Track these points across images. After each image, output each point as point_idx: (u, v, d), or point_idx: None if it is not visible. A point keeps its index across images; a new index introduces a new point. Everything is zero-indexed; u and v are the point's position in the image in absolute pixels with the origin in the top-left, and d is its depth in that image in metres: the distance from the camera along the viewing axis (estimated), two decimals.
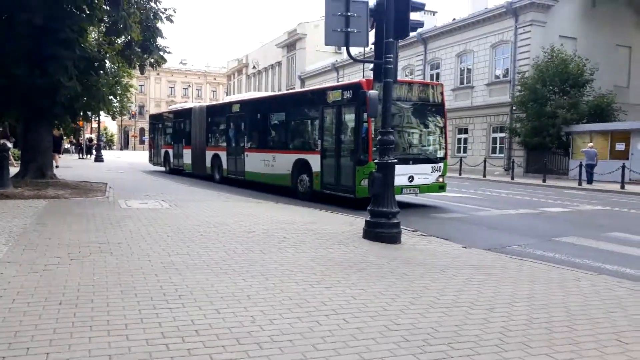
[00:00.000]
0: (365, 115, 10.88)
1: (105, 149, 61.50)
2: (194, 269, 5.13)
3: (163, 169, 24.45)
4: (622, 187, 18.72)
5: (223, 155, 18.09)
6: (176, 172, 22.69)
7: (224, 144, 18.21)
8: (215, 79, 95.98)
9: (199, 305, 3.99)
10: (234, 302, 4.10)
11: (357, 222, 8.71)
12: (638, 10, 29.42)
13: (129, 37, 15.05)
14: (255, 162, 15.78)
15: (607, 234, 8.90)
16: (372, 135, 10.81)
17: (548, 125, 24.45)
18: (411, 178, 11.85)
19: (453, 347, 3.38)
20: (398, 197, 11.49)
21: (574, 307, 4.38)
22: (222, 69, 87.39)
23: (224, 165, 17.97)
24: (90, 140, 43.32)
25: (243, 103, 17.56)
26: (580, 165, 20.79)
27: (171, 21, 15.80)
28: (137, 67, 17.48)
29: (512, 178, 23.51)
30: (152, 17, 15.33)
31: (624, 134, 22.60)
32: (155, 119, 27.05)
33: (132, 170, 24.47)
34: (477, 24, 29.32)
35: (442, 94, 12.81)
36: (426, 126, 12.73)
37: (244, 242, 6.63)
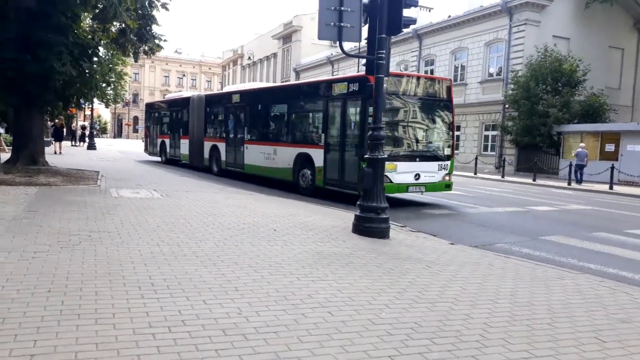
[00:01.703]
0: (371, 109, 10.76)
1: (99, 137, 61.19)
2: (183, 260, 5.17)
3: (159, 159, 23.92)
4: (611, 188, 18.91)
5: (222, 146, 17.73)
6: (172, 162, 22.25)
7: (223, 135, 17.84)
8: (210, 68, 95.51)
9: (186, 296, 4.04)
10: (222, 294, 4.15)
11: (348, 216, 8.77)
12: (631, 13, 29.61)
13: (123, 24, 14.99)
14: (256, 154, 15.46)
15: (592, 234, 9.03)
16: None
17: (540, 124, 24.61)
18: (417, 176, 11.44)
19: (435, 342, 3.45)
20: (402, 195, 12.50)
21: (556, 305, 4.47)
22: (217, 59, 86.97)
23: (223, 157, 17.63)
24: (83, 127, 43.03)
25: (243, 93, 17.15)
26: (570, 165, 20.97)
27: (166, 9, 15.72)
28: (132, 55, 17.41)
29: (503, 176, 23.67)
30: (147, 4, 15.25)
31: (614, 135, 22.79)
32: (152, 107, 26.46)
33: (125, 160, 24.37)
34: (472, 21, 29.37)
35: (450, 89, 12.40)
36: (433, 122, 12.18)
37: (233, 234, 6.67)
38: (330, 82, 12.76)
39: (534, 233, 8.90)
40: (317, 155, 12.53)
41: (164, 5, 15.58)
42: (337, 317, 3.79)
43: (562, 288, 5.08)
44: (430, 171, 11.76)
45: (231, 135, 17.25)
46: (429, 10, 36.40)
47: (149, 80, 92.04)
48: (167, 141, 22.88)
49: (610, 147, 22.79)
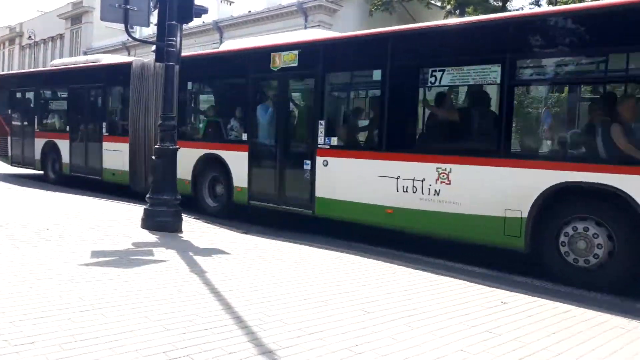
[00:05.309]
0: None
1: None
2: None
3: (38, 172, 13.84)
4: None
5: (237, 159, 8.80)
6: (76, 182, 12.37)
7: (240, 137, 9.02)
8: None
9: None
10: None
11: (136, 210, 8.21)
12: (405, 23, 33.71)
13: None
14: (358, 179, 7.24)
15: None
16: None
17: None
18: None
19: (214, 332, 3.42)
20: None
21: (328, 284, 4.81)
22: None
23: (239, 182, 8.76)
24: None
25: (316, 47, 8.22)
26: None
27: None
28: None
29: None
30: None
31: None
32: (19, 83, 15.30)
33: None
34: (271, 18, 30.27)
35: None
36: None
37: None
38: None
39: None
40: None
41: None
42: (110, 318, 3.52)
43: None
44: None
45: (269, 139, 8.71)
46: (230, 4, 36.54)
47: None
48: (64, 144, 12.75)
49: None
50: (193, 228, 7.37)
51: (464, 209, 6.20)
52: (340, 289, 4.65)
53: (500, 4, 22.46)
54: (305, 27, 28.71)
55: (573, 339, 3.69)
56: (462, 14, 23.73)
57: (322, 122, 7.76)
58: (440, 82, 6.70)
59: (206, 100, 10.48)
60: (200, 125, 10.20)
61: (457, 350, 3.34)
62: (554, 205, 5.63)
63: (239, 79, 9.34)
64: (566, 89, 6.62)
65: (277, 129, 8.52)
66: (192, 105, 10.49)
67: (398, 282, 5.05)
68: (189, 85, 10.09)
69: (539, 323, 3.96)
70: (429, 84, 6.86)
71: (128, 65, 10.93)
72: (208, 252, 5.87)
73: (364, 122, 8.08)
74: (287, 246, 6.53)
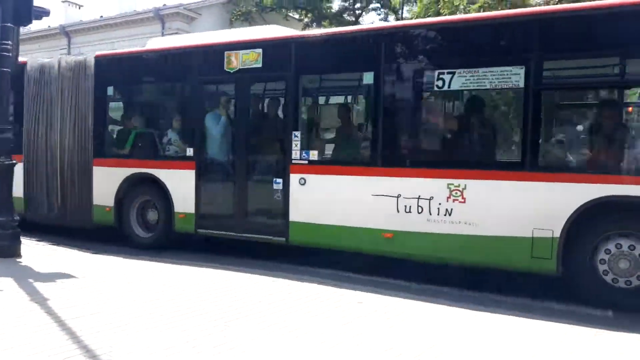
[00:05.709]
0: None
1: None
2: None
3: None
4: None
5: (181, 180, 7.28)
6: None
7: (188, 153, 7.34)
8: None
9: None
10: None
11: None
12: None
13: None
14: (341, 200, 6.18)
15: None
16: None
17: None
18: None
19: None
20: None
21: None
22: None
23: (182, 206, 7.27)
24: None
25: (282, 44, 6.94)
26: None
27: None
28: None
29: None
30: None
31: None
32: None
33: None
34: (125, 24, 28.80)
35: None
36: None
37: None
38: None
39: None
40: None
41: None
42: None
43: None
44: None
45: (225, 154, 7.41)
46: (79, 7, 34.10)
47: None
48: None
49: None
50: (35, 252, 6.71)
51: (482, 231, 5.41)
52: (199, 306, 4.51)
53: (353, 19, 23.68)
54: (163, 34, 27.76)
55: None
56: (319, 27, 24.64)
57: (297, 133, 6.53)
58: (449, 86, 5.73)
59: (133, 109, 8.56)
60: (126, 140, 8.16)
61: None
62: (590, 222, 4.99)
63: (180, 83, 7.73)
64: (601, 92, 5.93)
65: (235, 142, 7.20)
66: (114, 115, 8.58)
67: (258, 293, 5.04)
68: (110, 90, 8.31)
69: (389, 321, 4.23)
70: (436, 88, 5.89)
71: (21, 66, 8.33)
72: (51, 277, 5.35)
73: (352, 133, 6.87)
74: (142, 265, 6.21)
